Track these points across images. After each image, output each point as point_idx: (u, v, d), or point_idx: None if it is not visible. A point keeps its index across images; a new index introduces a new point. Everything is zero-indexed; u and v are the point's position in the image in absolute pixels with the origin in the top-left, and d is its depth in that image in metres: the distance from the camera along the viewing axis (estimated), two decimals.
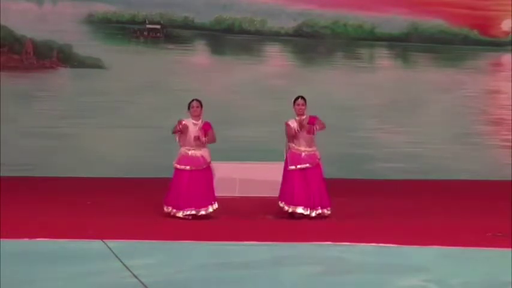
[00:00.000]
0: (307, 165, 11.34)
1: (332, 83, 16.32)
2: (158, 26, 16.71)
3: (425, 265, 8.46)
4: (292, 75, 16.76)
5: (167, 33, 16.74)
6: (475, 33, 17.19)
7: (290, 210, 11.30)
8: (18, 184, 14.61)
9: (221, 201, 12.92)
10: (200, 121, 11.40)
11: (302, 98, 11.51)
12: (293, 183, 11.30)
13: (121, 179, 15.61)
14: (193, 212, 11.20)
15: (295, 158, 11.37)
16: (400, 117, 16.78)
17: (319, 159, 11.45)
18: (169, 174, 15.63)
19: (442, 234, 10.20)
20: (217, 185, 13.67)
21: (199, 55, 16.88)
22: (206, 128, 11.38)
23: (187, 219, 11.14)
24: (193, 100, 11.48)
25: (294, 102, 11.51)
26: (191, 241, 9.60)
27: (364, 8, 16.98)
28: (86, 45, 16.45)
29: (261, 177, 13.23)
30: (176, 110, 16.27)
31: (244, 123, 16.14)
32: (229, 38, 16.90)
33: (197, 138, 11.26)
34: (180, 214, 11.20)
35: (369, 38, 17.11)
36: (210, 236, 9.97)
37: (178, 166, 11.36)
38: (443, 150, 16.78)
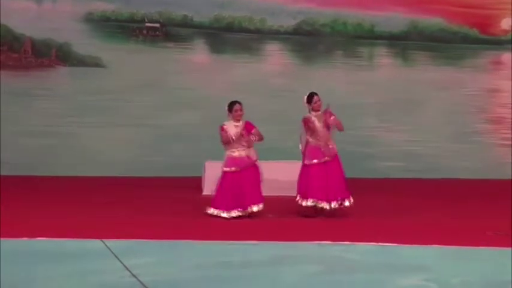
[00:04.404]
0: (326, 158, 11.40)
1: (332, 82, 16.27)
2: (157, 25, 16.68)
3: (425, 264, 8.45)
4: (291, 73, 16.73)
5: (166, 32, 16.71)
6: (474, 32, 17.16)
7: (310, 204, 11.31)
8: (16, 183, 14.57)
9: None
10: (241, 122, 11.37)
11: (317, 94, 11.49)
12: (312, 178, 11.33)
13: (120, 178, 15.57)
14: (240, 214, 11.22)
15: (314, 152, 11.43)
16: (399, 115, 16.75)
17: (336, 151, 11.51)
18: (169, 173, 15.74)
19: (442, 233, 10.19)
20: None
21: (198, 54, 16.85)
22: (249, 127, 11.36)
23: (234, 219, 11.14)
24: (235, 103, 11.42)
25: (310, 99, 11.48)
26: (191, 240, 9.57)
27: (363, 6, 16.95)
28: (85, 43, 16.41)
29: None
30: (176, 109, 16.35)
31: None
32: (229, 36, 16.88)
33: (246, 139, 11.24)
34: (225, 215, 11.20)
35: (369, 37, 17.08)
36: (209, 235, 9.95)
37: (225, 169, 11.37)
38: (443, 148, 16.76)
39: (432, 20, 17.12)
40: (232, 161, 11.34)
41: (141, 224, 10.71)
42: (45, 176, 15.53)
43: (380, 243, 9.41)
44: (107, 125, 16.32)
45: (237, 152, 11.36)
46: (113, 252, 8.66)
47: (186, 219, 11.22)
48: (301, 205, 11.41)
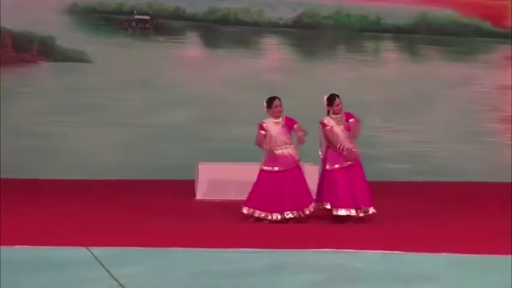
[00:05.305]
0: (349, 162, 11.53)
1: (334, 78, 16.29)
2: (147, 17, 16.69)
3: (434, 273, 8.45)
4: (291, 69, 16.76)
5: (157, 25, 16.73)
6: (487, 24, 17.20)
7: (337, 212, 11.42)
8: None
9: (216, 205, 12.95)
10: (280, 119, 11.46)
11: (338, 96, 11.63)
12: (337, 183, 11.44)
13: (107, 181, 15.59)
14: (291, 215, 11.31)
15: (335, 156, 11.53)
16: (406, 114, 16.78)
17: (359, 155, 11.63)
18: (160, 176, 15.75)
19: (452, 241, 10.21)
20: (212, 187, 13.71)
21: (191, 48, 16.87)
22: (291, 123, 11.44)
23: (279, 223, 11.23)
24: (275, 98, 11.52)
25: (332, 101, 11.60)
26: (182, 248, 9.58)
27: None
28: (69, 37, 16.41)
29: None
30: (167, 107, 16.37)
31: (240, 121, 16.11)
32: (224, 29, 16.91)
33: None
34: (269, 217, 11.32)
35: (374, 30, 17.14)
36: (203, 242, 9.95)
37: (265, 168, 11.45)
38: (453, 150, 16.79)
39: (442, 12, 17.16)
40: (274, 159, 11.41)
41: (129, 231, 10.72)
42: (27, 179, 15.53)
43: (385, 251, 9.43)
44: (93, 125, 16.33)
45: (280, 150, 11.42)
46: (99, 261, 8.66)
47: (178, 225, 11.22)
48: (333, 214, 11.49)
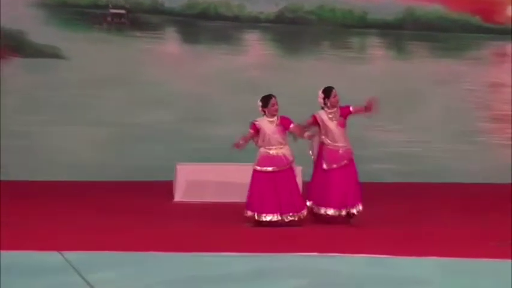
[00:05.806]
0: (345, 161, 11.61)
1: (318, 75, 16.21)
2: (123, 11, 16.61)
3: (423, 278, 8.44)
4: (273, 66, 16.71)
5: (133, 19, 16.64)
6: (476, 20, 17.21)
7: (323, 212, 11.49)
8: None
9: (193, 207, 12.89)
10: (275, 118, 11.43)
11: (334, 88, 11.69)
12: (331, 184, 11.49)
13: (82, 183, 15.50)
14: (279, 218, 11.30)
15: (332, 155, 11.58)
16: (394, 113, 16.73)
17: (352, 153, 11.71)
18: (137, 177, 15.67)
19: (442, 244, 10.20)
20: (191, 188, 13.66)
21: (169, 44, 16.80)
22: (286, 122, 11.45)
23: (273, 225, 11.22)
24: (271, 97, 11.50)
25: (329, 93, 11.64)
26: (160, 252, 9.53)
27: None
28: (41, 32, 16.27)
29: (239, 180, 13.14)
30: (144, 106, 16.28)
31: (220, 120, 16.10)
32: (204, 24, 16.85)
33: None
34: (264, 218, 11.29)
35: (360, 25, 17.11)
36: (181, 246, 9.92)
37: (258, 168, 11.44)
38: (443, 150, 16.79)
39: (430, 7, 17.17)
40: (268, 159, 11.41)
41: (104, 234, 10.66)
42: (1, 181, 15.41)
43: (372, 255, 9.40)
44: (68, 124, 16.24)
45: (274, 150, 11.41)
46: (72, 266, 8.60)
47: (156, 228, 11.18)
48: (321, 214, 11.54)
